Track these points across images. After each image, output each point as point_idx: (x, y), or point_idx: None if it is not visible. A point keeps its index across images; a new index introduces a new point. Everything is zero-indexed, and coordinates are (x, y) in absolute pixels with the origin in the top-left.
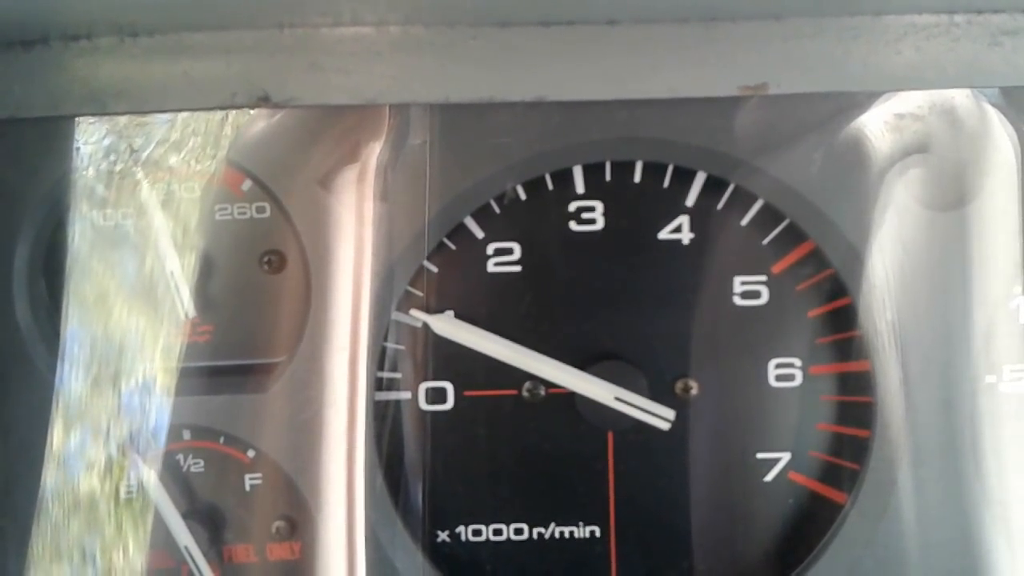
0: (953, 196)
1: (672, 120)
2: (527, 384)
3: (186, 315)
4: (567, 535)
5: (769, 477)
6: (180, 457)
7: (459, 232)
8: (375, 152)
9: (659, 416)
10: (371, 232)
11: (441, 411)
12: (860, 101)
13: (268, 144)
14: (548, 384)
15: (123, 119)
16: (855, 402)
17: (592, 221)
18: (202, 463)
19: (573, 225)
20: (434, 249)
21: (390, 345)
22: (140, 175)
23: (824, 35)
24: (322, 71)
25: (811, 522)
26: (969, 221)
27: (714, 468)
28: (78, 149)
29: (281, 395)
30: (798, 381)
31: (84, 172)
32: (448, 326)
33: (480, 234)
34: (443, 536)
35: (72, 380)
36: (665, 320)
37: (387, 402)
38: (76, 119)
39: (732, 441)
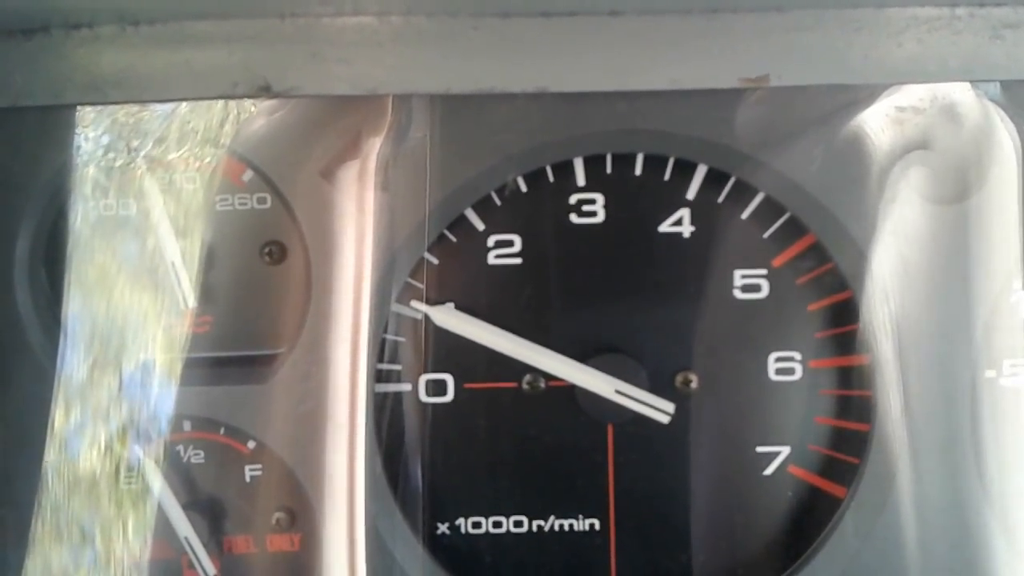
0: (954, 190)
1: (673, 112)
2: (527, 377)
3: (186, 305)
4: (567, 528)
5: (769, 471)
6: (180, 448)
7: (460, 224)
8: (376, 143)
9: (659, 409)
10: (372, 223)
11: (441, 403)
12: (861, 94)
13: (269, 134)
14: (548, 377)
15: (124, 108)
16: (855, 396)
17: (593, 213)
18: (202, 454)
19: (574, 217)
20: (434, 241)
21: (390, 337)
22: (141, 165)
23: (826, 27)
24: (323, 61)
25: (810, 515)
26: (970, 215)
27: (714, 461)
28: (79, 139)
29: (281, 386)
30: (798, 375)
31: (85, 161)
32: (448, 318)
33: (481, 226)
34: (443, 528)
35: (72, 369)
36: (665, 313)
37: (387, 394)
38: (77, 108)
39: (732, 434)
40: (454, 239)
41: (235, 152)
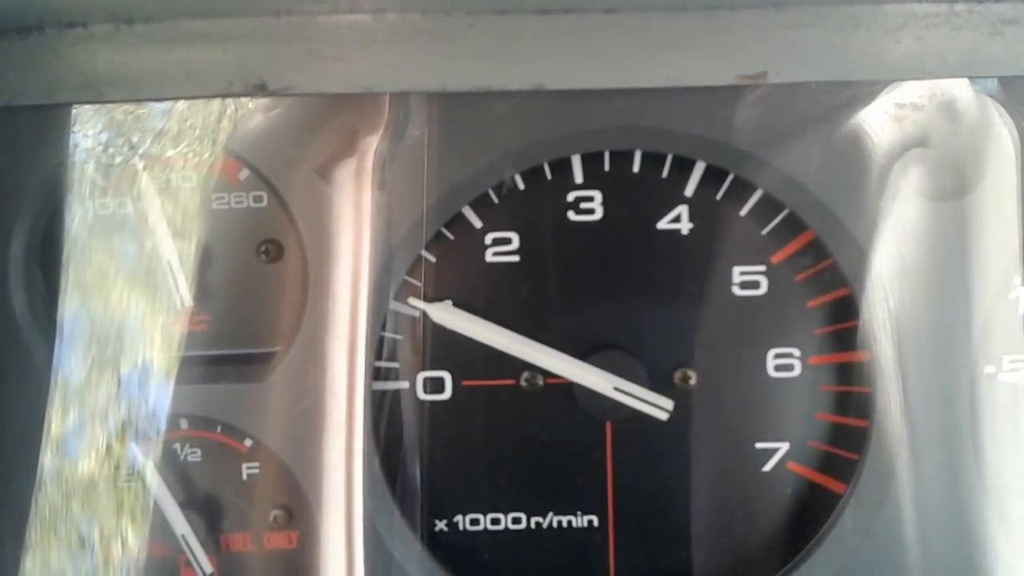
0: (953, 186)
1: (671, 109)
2: (525, 374)
3: (183, 304)
4: (565, 525)
5: (768, 467)
6: (177, 446)
7: (457, 222)
8: (373, 141)
9: (657, 406)
10: (369, 221)
11: (439, 401)
12: (860, 90)
13: (265, 133)
14: (546, 374)
15: (120, 108)
16: (854, 392)
17: (591, 211)
18: (199, 452)
19: (572, 215)
20: (432, 239)
21: (388, 335)
22: (137, 164)
23: (824, 24)
24: (319, 59)
25: (809, 512)
26: (969, 211)
27: (713, 458)
28: (75, 138)
29: (279, 384)
30: (797, 371)
31: (80, 161)
32: (446, 315)
33: (478, 224)
34: (441, 525)
35: (69, 369)
36: (664, 310)
37: (385, 392)
38: (72, 107)
39: (731, 431)
40: (452, 237)
41: (231, 151)
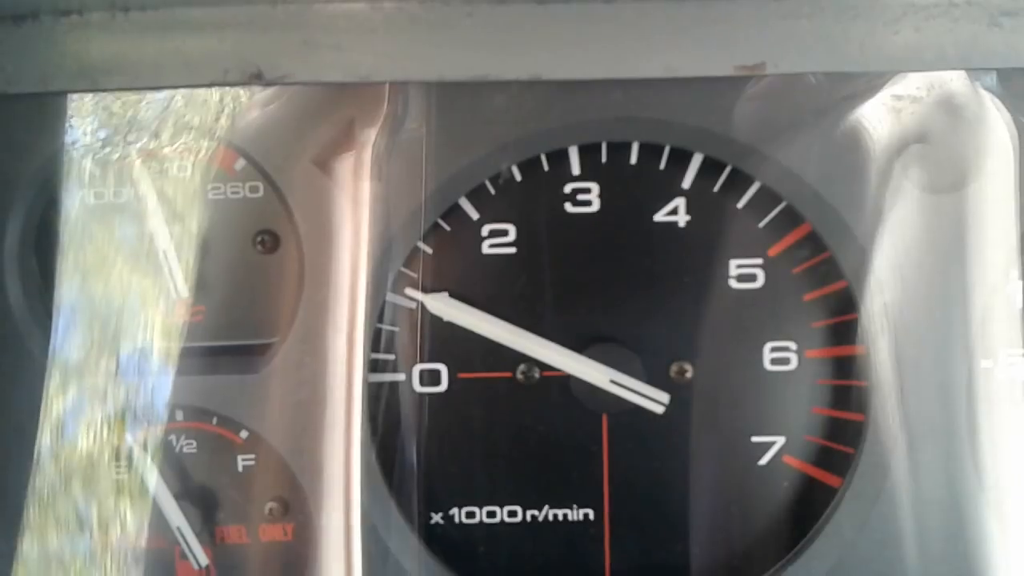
0: (951, 179)
1: (669, 100)
2: (521, 367)
3: (178, 295)
4: (561, 518)
5: (764, 460)
6: (173, 438)
7: (454, 213)
8: (371, 132)
9: (654, 400)
10: (366, 212)
11: (435, 393)
12: (858, 82)
13: (262, 123)
14: (543, 367)
15: (117, 97)
16: (850, 386)
17: (588, 203)
18: (195, 444)
19: (568, 207)
20: (429, 230)
21: (384, 326)
22: (133, 153)
23: (822, 15)
24: (316, 48)
25: (805, 505)
26: (967, 205)
27: (709, 451)
28: (70, 126)
29: (274, 376)
30: (793, 365)
31: (76, 150)
32: (443, 305)
33: (475, 215)
34: (436, 518)
35: (64, 359)
36: (660, 303)
37: (381, 384)
38: (68, 95)
39: (727, 424)
40: (448, 228)
41: (228, 141)
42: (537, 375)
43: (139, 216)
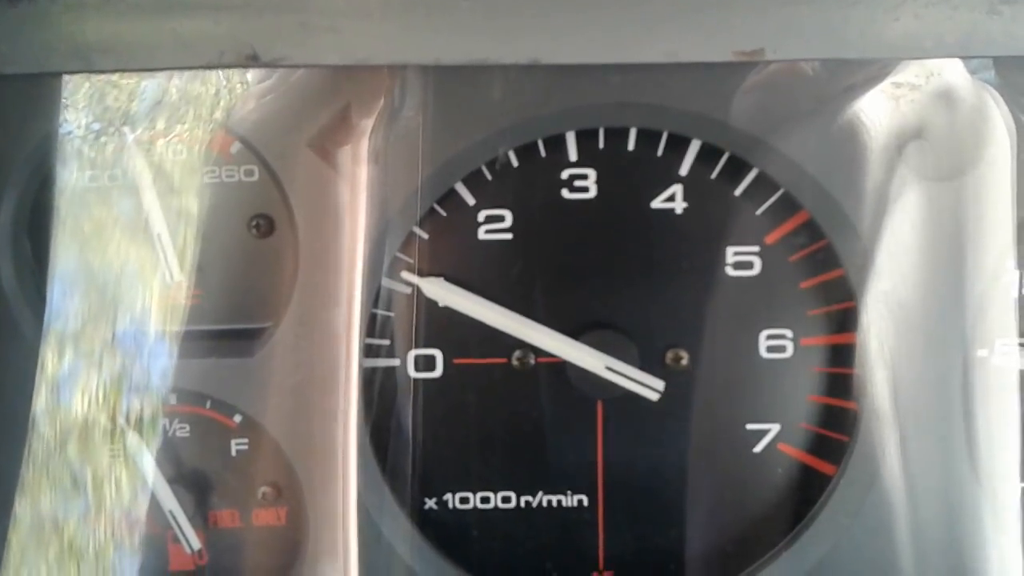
0: (949, 168)
1: (667, 86)
2: (517, 353)
3: (172, 278)
4: (555, 503)
5: (758, 448)
6: (166, 421)
7: (450, 198)
8: (366, 115)
9: (648, 386)
10: (362, 196)
11: (430, 379)
12: (857, 69)
13: (258, 107)
14: (538, 353)
15: (113, 78)
16: (846, 374)
17: (585, 189)
18: (188, 427)
19: (565, 193)
20: (424, 215)
21: (379, 311)
22: (128, 136)
23: (822, 1)
24: (312, 30)
25: (800, 493)
26: (964, 193)
27: (703, 438)
28: (65, 108)
29: (269, 360)
30: (789, 352)
31: (71, 131)
32: (439, 289)
33: (471, 201)
34: (430, 503)
35: (57, 341)
36: (657, 290)
37: (375, 369)
38: (63, 76)
39: (722, 412)
40: (444, 213)
41: (223, 124)
42: (532, 361)
43: (133, 199)
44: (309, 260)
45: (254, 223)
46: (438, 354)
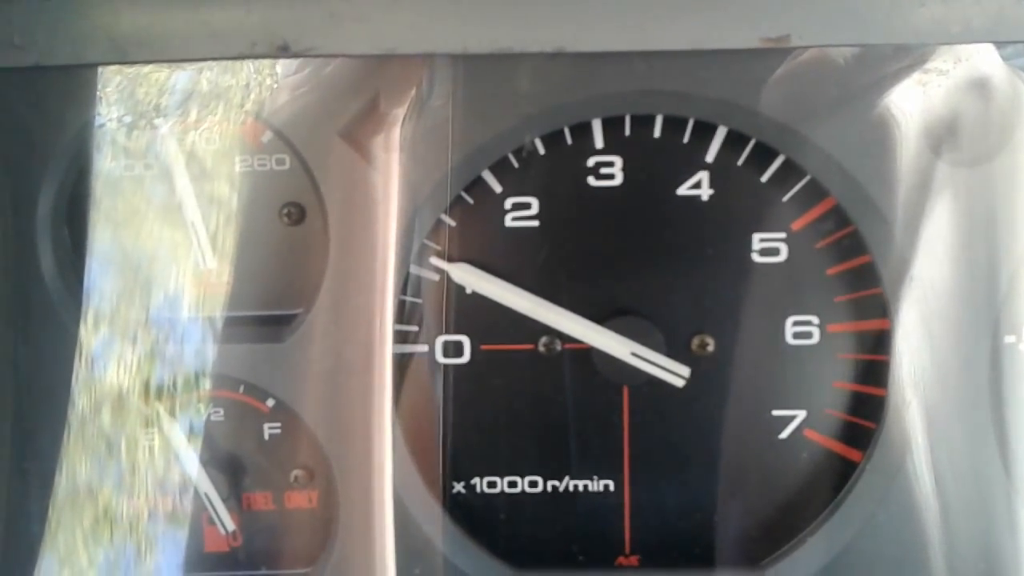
0: (976, 153)
1: (693, 73)
2: (543, 339)
3: (205, 265)
4: (581, 488)
5: (784, 434)
6: (200, 406)
7: (477, 186)
8: (396, 104)
9: (674, 373)
10: (392, 184)
11: (458, 364)
12: (884, 55)
13: (289, 96)
14: (564, 339)
15: (148, 70)
16: (873, 361)
17: (611, 176)
18: (221, 412)
19: (591, 180)
20: (452, 202)
21: (407, 298)
22: (162, 126)
23: None
24: (341, 20)
25: (825, 479)
26: (991, 179)
27: (729, 424)
28: (101, 99)
29: (300, 345)
30: (816, 339)
31: (107, 121)
32: (467, 275)
33: (498, 188)
34: (458, 487)
35: (96, 327)
36: (683, 276)
37: (403, 355)
38: (99, 68)
39: (747, 398)
40: (471, 201)
41: (255, 113)
42: (559, 347)
43: (168, 187)
44: (339, 247)
45: (285, 211)
46: (466, 340)
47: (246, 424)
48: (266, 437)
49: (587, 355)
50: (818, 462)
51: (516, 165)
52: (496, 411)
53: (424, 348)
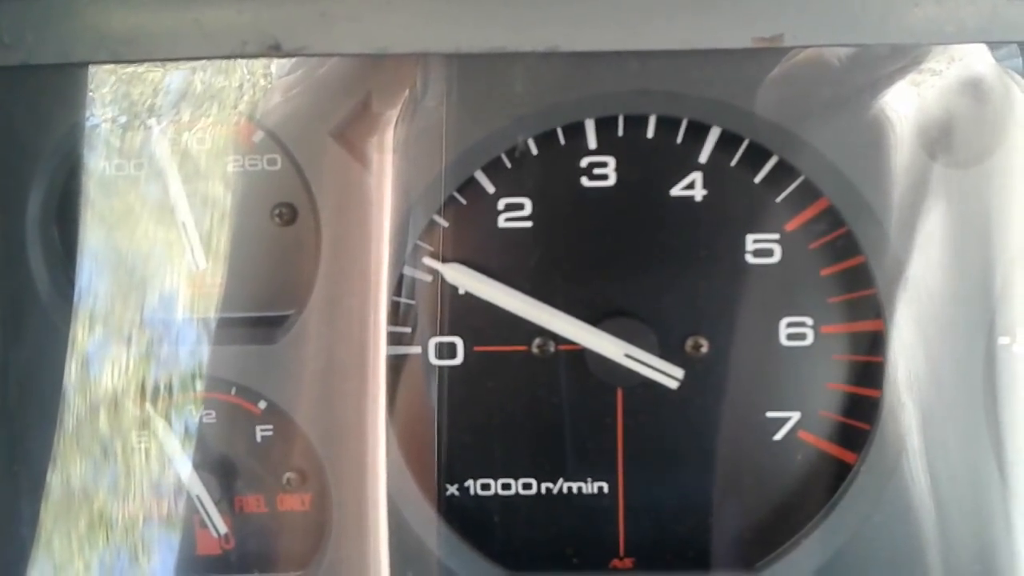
0: (970, 153)
1: (686, 73)
2: (537, 340)
3: (197, 266)
4: (575, 491)
5: (779, 436)
6: (191, 408)
7: (470, 186)
8: (388, 104)
9: (668, 375)
10: (384, 184)
11: (451, 366)
12: (877, 55)
13: (281, 96)
14: (558, 340)
15: (137, 69)
16: (867, 362)
17: (604, 177)
18: (213, 414)
19: (585, 181)
20: (445, 203)
21: (400, 300)
22: (153, 125)
23: None
24: (333, 19)
25: (820, 481)
26: (986, 179)
27: (723, 426)
28: (92, 99)
29: (293, 347)
30: (809, 340)
31: (97, 121)
32: (460, 275)
33: (491, 189)
34: (452, 490)
35: (85, 328)
36: (676, 277)
37: (396, 356)
38: (89, 67)
39: (741, 399)
40: (464, 202)
41: (246, 113)
42: (552, 349)
43: (159, 188)
44: (332, 248)
45: (277, 211)
46: (459, 342)
47: (238, 426)
48: (258, 439)
49: (581, 356)
50: (812, 464)
51: (509, 165)
52: (490, 413)
53: (417, 350)
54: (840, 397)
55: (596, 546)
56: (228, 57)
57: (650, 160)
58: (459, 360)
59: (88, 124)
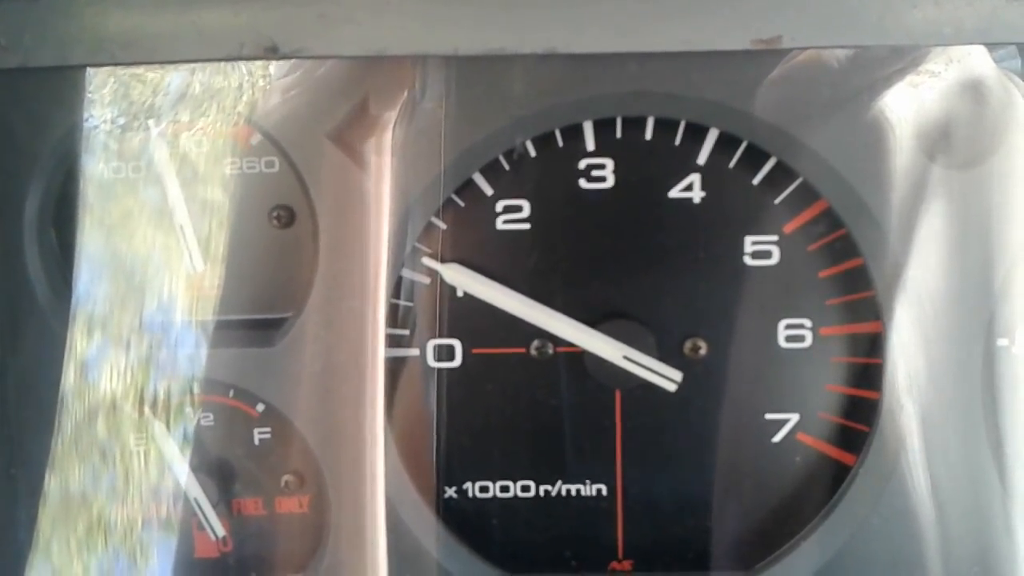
0: (969, 155)
1: (685, 74)
2: (535, 342)
3: (194, 269)
4: (574, 493)
5: (777, 438)
6: (190, 411)
7: (468, 188)
8: (386, 106)
9: (666, 377)
10: (382, 186)
11: (449, 368)
12: (876, 56)
13: (279, 98)
14: (557, 342)
15: (135, 71)
16: (865, 364)
17: (602, 179)
18: (211, 417)
19: (583, 183)
20: (443, 205)
21: (399, 302)
22: (151, 128)
23: None
24: (331, 21)
25: (819, 483)
26: (984, 181)
27: (722, 428)
28: (89, 101)
29: (291, 349)
30: (808, 342)
31: (95, 123)
32: (459, 276)
33: (489, 191)
34: (450, 492)
35: (83, 331)
36: (675, 279)
37: (395, 358)
38: (86, 69)
39: (740, 401)
40: (462, 204)
41: (244, 115)
42: (551, 351)
43: (156, 190)
44: (329, 250)
45: (274, 214)
46: (457, 344)
47: (236, 429)
48: (256, 442)
49: (579, 359)
50: (811, 466)
51: (507, 167)
52: (488, 415)
53: (415, 352)
54: (839, 399)
55: (595, 548)
56: (225, 59)
57: (648, 162)
58: (457, 362)
59: (86, 126)
